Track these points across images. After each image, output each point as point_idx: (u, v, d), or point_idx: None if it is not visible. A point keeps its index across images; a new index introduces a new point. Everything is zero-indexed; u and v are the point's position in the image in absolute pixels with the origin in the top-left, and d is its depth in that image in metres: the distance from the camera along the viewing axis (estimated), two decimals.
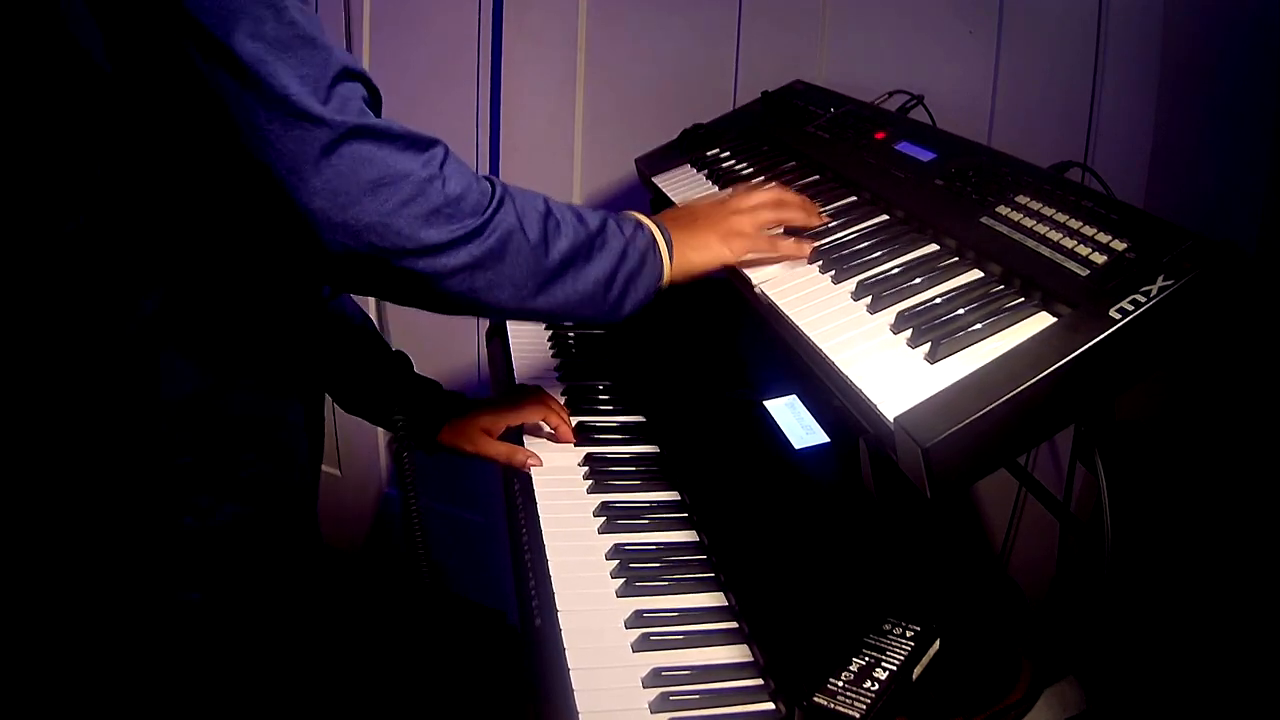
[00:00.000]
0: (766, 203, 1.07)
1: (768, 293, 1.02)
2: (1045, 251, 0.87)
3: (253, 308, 0.93)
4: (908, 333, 0.86)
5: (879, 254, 1.01)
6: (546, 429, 1.25)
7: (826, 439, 1.08)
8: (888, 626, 0.88)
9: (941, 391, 0.77)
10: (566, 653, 0.90)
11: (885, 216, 1.09)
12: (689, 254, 1.03)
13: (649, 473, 1.19)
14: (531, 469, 1.18)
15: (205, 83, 0.75)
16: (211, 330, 0.90)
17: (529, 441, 1.23)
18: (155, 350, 0.88)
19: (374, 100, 0.83)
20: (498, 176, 0.92)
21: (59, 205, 0.84)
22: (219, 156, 0.80)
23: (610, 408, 1.35)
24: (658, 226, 1.02)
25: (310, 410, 1.04)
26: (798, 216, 1.08)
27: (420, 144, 0.82)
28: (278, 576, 1.02)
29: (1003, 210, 0.96)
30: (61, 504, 0.90)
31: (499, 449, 1.20)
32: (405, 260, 0.81)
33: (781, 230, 1.09)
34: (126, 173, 0.84)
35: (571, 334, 1.55)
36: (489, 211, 0.85)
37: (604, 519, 1.10)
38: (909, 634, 0.87)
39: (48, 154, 0.84)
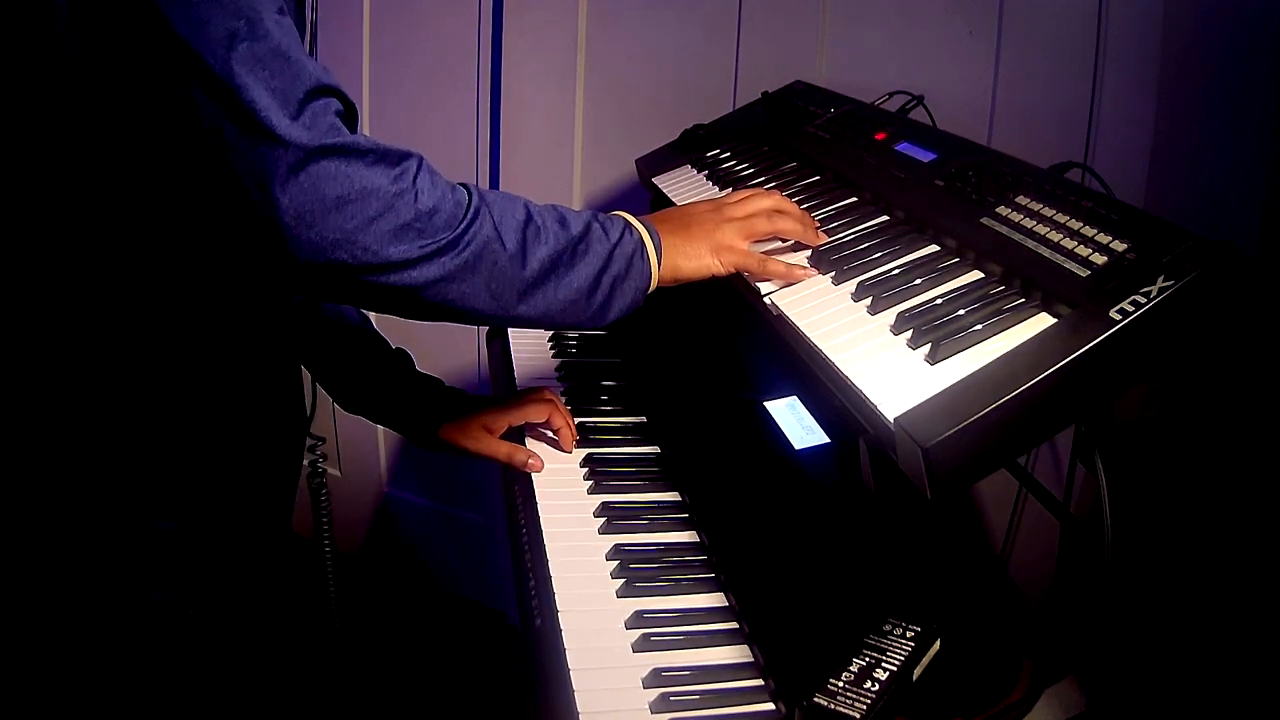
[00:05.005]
0: (761, 212, 1.05)
1: (769, 294, 1.02)
2: (1045, 252, 0.87)
3: (230, 310, 0.93)
4: (908, 333, 0.86)
5: (879, 255, 1.01)
6: (549, 433, 1.24)
7: (827, 439, 1.08)
8: (888, 626, 0.88)
9: (942, 392, 0.77)
10: (566, 653, 0.90)
11: (885, 217, 1.09)
12: (678, 261, 1.01)
13: (649, 473, 1.19)
14: (532, 469, 1.18)
15: (177, 91, 0.76)
16: (188, 334, 0.90)
17: (530, 443, 1.23)
18: (131, 352, 0.88)
19: (348, 114, 0.82)
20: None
21: (44, 205, 0.85)
22: (191, 162, 0.80)
23: (611, 408, 1.35)
24: (647, 229, 1.00)
25: (289, 412, 1.05)
26: (794, 229, 1.06)
27: (391, 158, 0.81)
28: (252, 577, 1.02)
29: (1003, 211, 0.96)
30: (38, 501, 0.91)
31: (500, 448, 1.19)
32: (374, 275, 0.80)
33: (779, 243, 1.08)
34: (103, 174, 0.84)
35: (572, 334, 1.55)
36: (463, 224, 0.84)
37: (604, 519, 1.10)
38: (909, 634, 0.87)
39: (28, 153, 0.84)
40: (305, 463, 2.33)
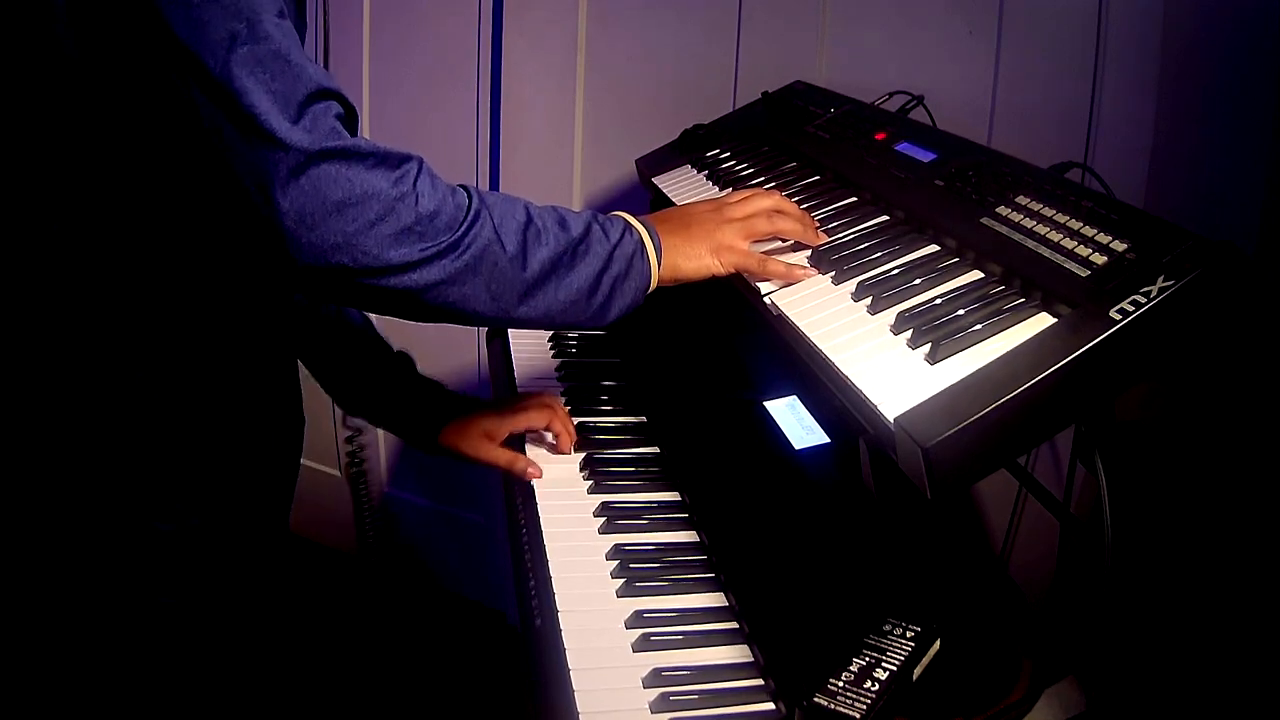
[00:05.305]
0: (761, 212, 1.05)
1: (769, 294, 1.02)
2: (1045, 252, 0.87)
3: (230, 310, 0.93)
4: (908, 333, 0.86)
5: (879, 255, 1.01)
6: (549, 437, 1.24)
7: (826, 439, 1.08)
8: (888, 626, 0.88)
9: (942, 392, 0.77)
10: (566, 653, 0.90)
11: (885, 217, 1.09)
12: (678, 260, 1.01)
13: (649, 473, 1.19)
14: (532, 478, 1.17)
15: (178, 92, 0.76)
16: (187, 334, 0.90)
17: (530, 449, 1.23)
18: (131, 353, 0.88)
19: (349, 117, 0.82)
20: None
21: (44, 205, 0.85)
22: (192, 163, 0.80)
23: (611, 408, 1.35)
24: (647, 229, 0.99)
25: (288, 413, 1.05)
26: (793, 229, 1.06)
27: (391, 161, 0.80)
28: (252, 578, 1.02)
29: (1003, 210, 0.96)
30: (38, 501, 0.91)
31: (500, 455, 1.19)
32: (375, 278, 0.80)
33: (779, 243, 1.08)
34: (104, 174, 0.84)
35: (572, 334, 1.55)
36: (463, 227, 0.84)
37: (604, 519, 1.10)
38: (909, 634, 0.87)
39: (28, 153, 0.84)
40: (345, 452, 2.36)
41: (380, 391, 1.23)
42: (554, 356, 1.49)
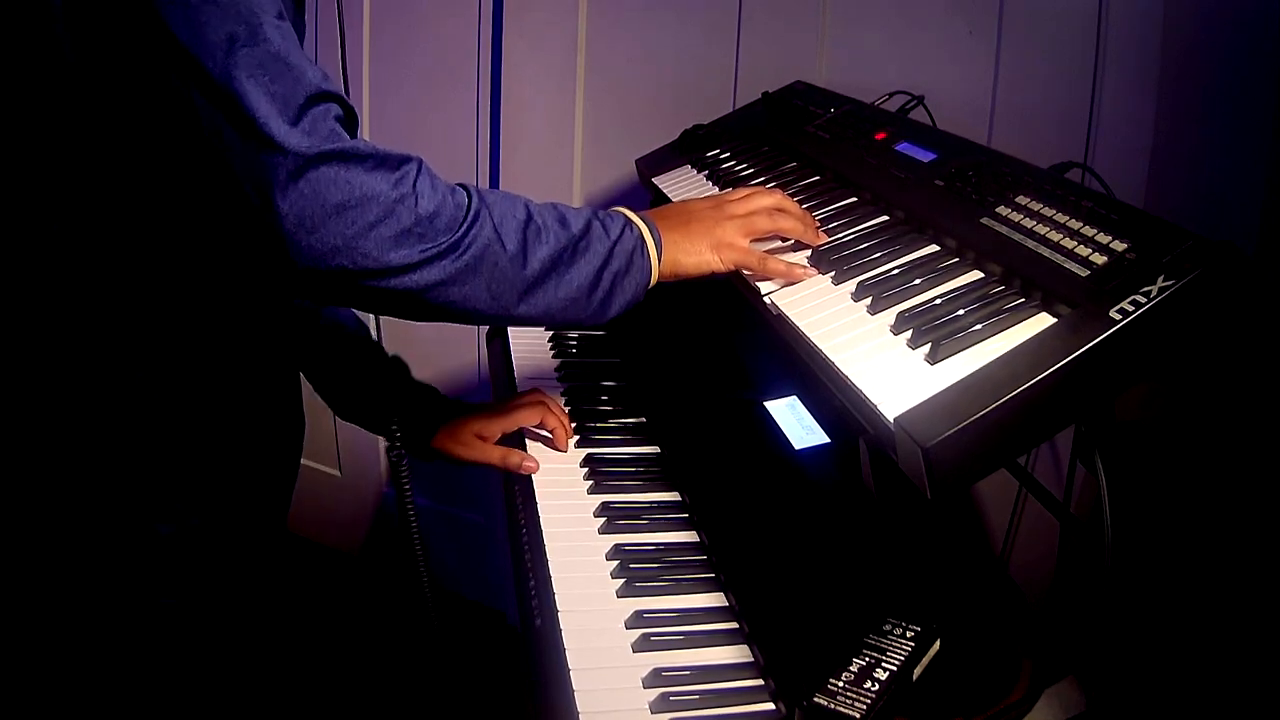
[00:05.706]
0: (762, 210, 1.04)
1: (768, 294, 1.02)
2: (1045, 252, 0.87)
3: (230, 312, 0.93)
4: (908, 333, 0.86)
5: (879, 255, 1.01)
6: (544, 433, 1.24)
7: (827, 439, 1.08)
8: (888, 626, 0.88)
9: (942, 392, 0.77)
10: (566, 653, 0.90)
11: (885, 217, 1.09)
12: (678, 257, 1.00)
13: (649, 473, 1.19)
14: (527, 471, 1.18)
15: (177, 94, 0.76)
16: (188, 336, 0.90)
17: (530, 445, 1.23)
18: (131, 354, 0.88)
19: (348, 119, 0.82)
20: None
21: (44, 205, 0.85)
22: (192, 165, 0.80)
23: (611, 408, 1.35)
24: (647, 225, 0.99)
25: (287, 415, 1.05)
26: (794, 227, 1.05)
27: (390, 163, 0.80)
28: (252, 579, 1.02)
29: (1003, 210, 0.96)
30: (39, 503, 0.91)
31: (494, 453, 1.19)
32: (375, 280, 0.80)
33: (779, 242, 1.08)
34: (104, 175, 0.84)
35: (572, 334, 1.55)
36: (463, 227, 0.84)
37: (604, 519, 1.10)
38: (909, 634, 0.87)
39: (27, 153, 0.84)
40: (388, 467, 2.32)
41: (375, 398, 1.22)
42: (554, 356, 1.49)
